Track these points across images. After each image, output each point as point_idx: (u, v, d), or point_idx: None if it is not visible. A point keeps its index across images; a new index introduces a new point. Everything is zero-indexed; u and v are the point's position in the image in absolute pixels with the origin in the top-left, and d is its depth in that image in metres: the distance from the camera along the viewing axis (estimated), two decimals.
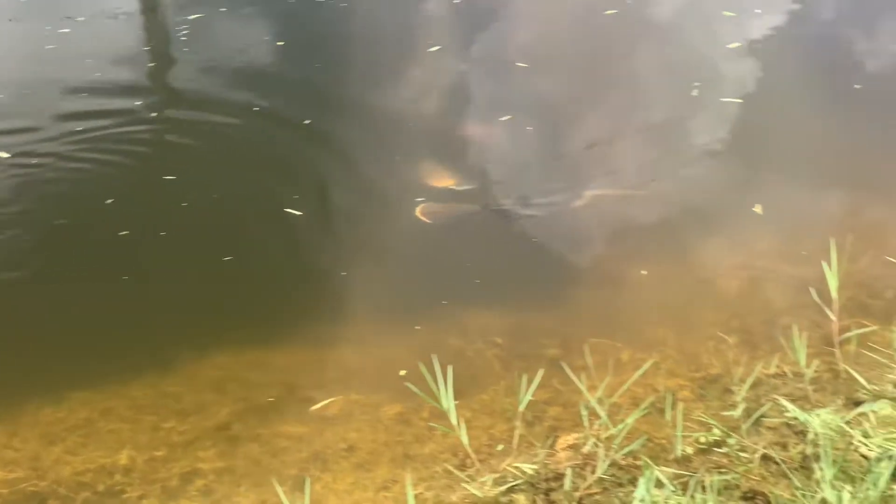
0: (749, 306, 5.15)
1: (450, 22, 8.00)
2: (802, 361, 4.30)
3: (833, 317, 4.52)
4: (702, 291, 5.29)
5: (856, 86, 6.83)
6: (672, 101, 6.81)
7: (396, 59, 7.56)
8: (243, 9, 8.18)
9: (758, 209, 5.72)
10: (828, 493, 3.55)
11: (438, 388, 3.94)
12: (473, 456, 4.10)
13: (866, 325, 4.70)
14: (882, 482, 3.59)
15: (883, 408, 4.17)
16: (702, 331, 5.02)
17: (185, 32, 7.81)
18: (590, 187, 6.10)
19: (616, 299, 5.28)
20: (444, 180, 6.13)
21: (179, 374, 4.94)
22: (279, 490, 3.67)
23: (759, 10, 7.88)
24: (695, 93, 6.74)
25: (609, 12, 7.90)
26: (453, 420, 3.96)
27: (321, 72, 7.38)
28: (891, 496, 3.72)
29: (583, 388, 4.09)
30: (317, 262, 5.64)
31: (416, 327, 5.19)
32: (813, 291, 4.68)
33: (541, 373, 4.21)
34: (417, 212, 5.89)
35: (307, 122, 6.68)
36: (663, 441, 4.16)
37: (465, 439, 4.01)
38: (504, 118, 6.61)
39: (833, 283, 4.48)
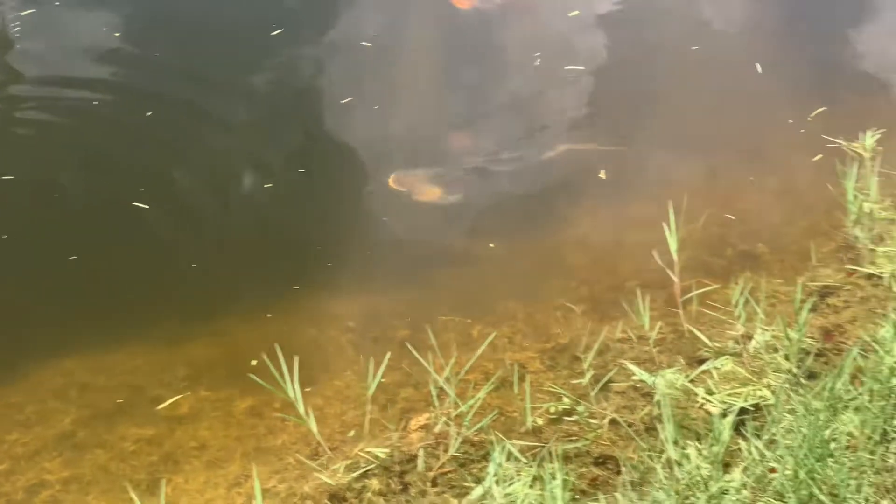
0: (596, 273, 5.22)
1: (293, 6, 7.86)
2: (646, 325, 4.36)
3: (675, 278, 4.59)
4: (549, 261, 5.35)
5: (693, 47, 6.91)
6: (515, 74, 6.81)
7: (236, 45, 7.39)
8: (77, 2, 7.90)
9: (602, 175, 5.76)
10: (671, 452, 3.60)
11: (285, 379, 3.87)
12: (324, 444, 4.06)
13: (707, 284, 4.79)
14: (724, 436, 3.66)
15: (725, 364, 4.27)
16: (550, 301, 5.06)
17: (17, 29, 7.51)
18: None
19: (465, 275, 5.30)
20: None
21: (21, 383, 4.79)
22: (132, 494, 3.58)
23: None
24: (537, 63, 6.75)
25: None
26: (301, 409, 3.91)
27: (160, 62, 7.16)
28: (737, 449, 3.81)
29: (429, 367, 4.08)
30: (163, 256, 5.49)
31: (268, 315, 5.08)
32: (656, 254, 4.74)
33: (388, 356, 4.19)
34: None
35: (148, 113, 6.48)
36: (515, 414, 4.17)
37: (314, 428, 3.96)
38: (345, 100, 6.52)
39: (673, 245, 4.57)
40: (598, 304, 4.99)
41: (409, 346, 4.27)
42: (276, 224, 5.77)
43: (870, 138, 5.33)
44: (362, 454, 4.01)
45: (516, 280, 5.26)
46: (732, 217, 5.38)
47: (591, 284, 5.17)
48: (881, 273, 4.67)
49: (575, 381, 4.34)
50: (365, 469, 3.92)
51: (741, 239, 5.30)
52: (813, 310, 4.56)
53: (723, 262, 5.16)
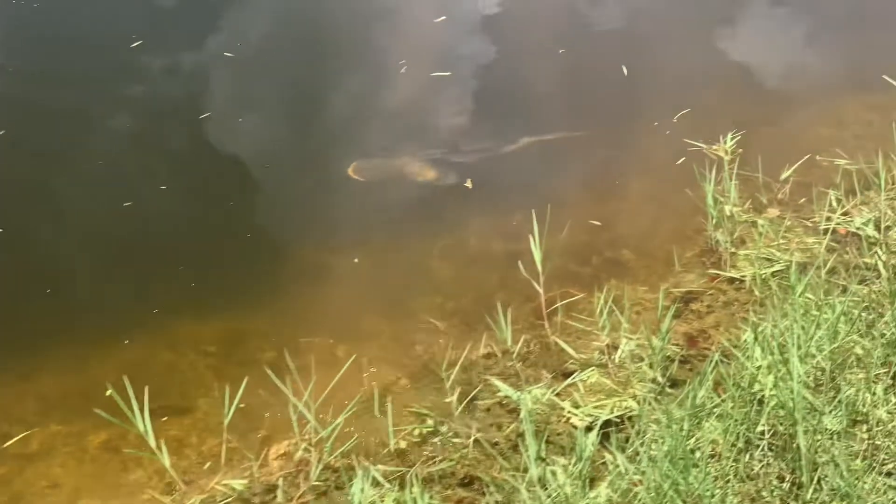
0: (463, 287, 5.15)
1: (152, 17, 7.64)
2: (508, 339, 4.31)
3: (540, 290, 4.54)
4: (416, 275, 5.25)
5: (560, 50, 6.91)
6: (380, 81, 6.71)
7: (92, 57, 7.15)
8: None
9: (468, 184, 5.70)
10: (533, 471, 3.54)
11: (134, 412, 3.71)
12: (179, 479, 3.89)
13: (574, 294, 4.76)
14: (587, 451, 3.62)
15: (591, 375, 4.24)
16: (416, 317, 4.96)
17: None
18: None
19: (331, 292, 5.17)
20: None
21: None
22: None
23: None
24: (403, 70, 6.66)
25: None
26: (152, 443, 3.75)
27: (11, 73, 6.89)
28: (603, 463, 3.76)
29: (288, 392, 3.96)
30: (13, 282, 5.25)
31: (126, 341, 4.89)
32: (521, 265, 4.68)
33: (245, 381, 4.05)
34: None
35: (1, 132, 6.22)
36: (379, 437, 4.07)
37: (167, 462, 3.80)
38: (204, 115, 6.34)
39: (537, 256, 4.51)
40: (465, 319, 4.92)
41: (269, 371, 4.10)
42: (135, 245, 5.56)
43: (729, 140, 5.34)
44: (219, 487, 3.86)
45: (382, 296, 5.16)
46: (598, 223, 5.31)
47: (457, 298, 5.08)
48: (742, 276, 4.68)
49: (440, 400, 4.23)
50: (221, 503, 3.76)
51: (608, 246, 5.28)
52: (677, 316, 4.56)
53: (590, 270, 5.13)
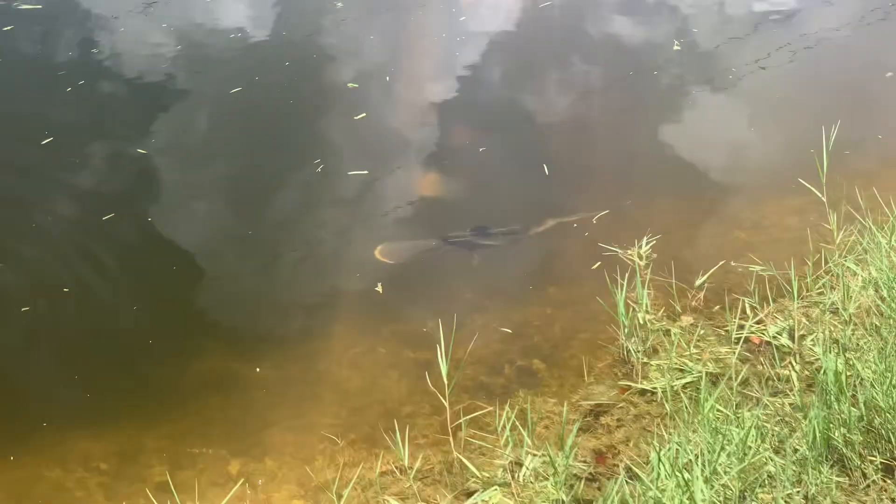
0: (369, 399, 4.97)
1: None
2: (405, 458, 4.13)
3: (446, 403, 4.37)
4: (320, 386, 5.07)
5: (481, 149, 6.84)
6: (295, 182, 6.59)
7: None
8: None
9: (379, 288, 5.55)
10: None
11: None
12: None
13: (482, 407, 4.59)
14: None
15: (493, 496, 4.05)
16: (317, 431, 4.76)
17: None
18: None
19: (230, 404, 4.96)
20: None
21: None
22: None
23: (388, 78, 7.83)
24: (319, 170, 6.55)
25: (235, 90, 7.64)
26: None
27: None
28: None
29: None
30: None
31: (11, 458, 4.64)
32: (427, 377, 4.52)
33: None
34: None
35: None
36: None
37: None
38: (107, 216, 6.17)
39: (444, 368, 4.35)
40: (369, 433, 4.73)
41: (150, 494, 3.88)
42: (22, 355, 5.32)
43: (645, 245, 5.25)
44: None
45: (284, 408, 4.98)
46: (509, 331, 5.17)
47: (362, 411, 4.92)
48: (654, 388, 4.54)
49: None
50: None
51: (520, 354, 5.15)
52: (586, 430, 4.42)
53: (502, 380, 4.98)
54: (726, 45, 8.05)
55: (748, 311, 4.97)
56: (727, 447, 3.89)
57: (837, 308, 4.79)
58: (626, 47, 8.18)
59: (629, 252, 5.28)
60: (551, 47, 8.30)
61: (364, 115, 7.30)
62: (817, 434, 3.85)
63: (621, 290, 4.80)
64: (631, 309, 4.92)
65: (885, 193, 5.55)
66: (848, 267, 5.05)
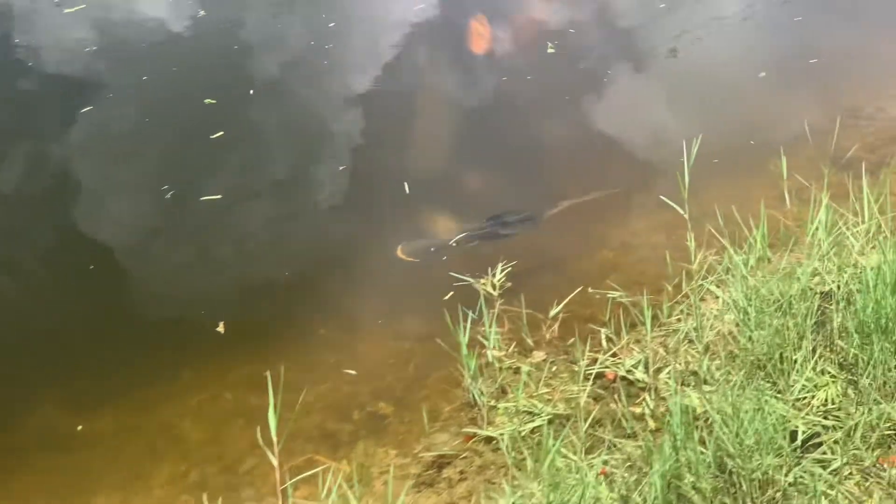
0: (208, 452, 4.64)
1: None
2: None
3: (275, 461, 4.06)
4: (159, 438, 4.74)
5: (340, 167, 6.54)
6: (141, 209, 6.24)
7: None
8: None
9: (220, 328, 5.23)
10: None
11: None
12: None
13: (321, 462, 4.31)
14: None
15: None
16: (154, 491, 4.43)
17: None
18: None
19: (59, 464, 4.61)
20: None
21: None
22: None
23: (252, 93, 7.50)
24: (168, 196, 6.20)
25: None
26: None
27: None
28: None
29: None
30: None
31: None
32: (259, 431, 4.21)
33: None
34: None
35: None
36: None
37: None
38: None
39: (272, 423, 4.03)
40: (209, 492, 4.39)
41: None
42: None
43: (499, 273, 4.98)
44: None
45: (120, 466, 4.62)
46: (352, 372, 4.88)
47: (202, 466, 4.58)
48: (500, 435, 4.27)
49: None
50: None
51: (371, 396, 4.86)
52: (428, 485, 4.14)
53: (349, 426, 4.69)
54: (601, 45, 7.81)
55: (604, 342, 4.71)
56: (570, 500, 3.63)
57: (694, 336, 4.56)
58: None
59: (482, 281, 5.00)
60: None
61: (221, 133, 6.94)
62: (657, 485, 3.60)
63: (464, 327, 4.50)
64: (480, 346, 4.63)
65: (750, 205, 5.33)
66: (709, 289, 4.81)
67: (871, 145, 6.23)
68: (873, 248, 4.72)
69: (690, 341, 4.58)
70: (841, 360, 4.32)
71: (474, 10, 8.73)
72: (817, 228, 4.76)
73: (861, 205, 4.96)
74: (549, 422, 4.31)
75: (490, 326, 4.66)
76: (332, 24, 8.55)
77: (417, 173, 6.50)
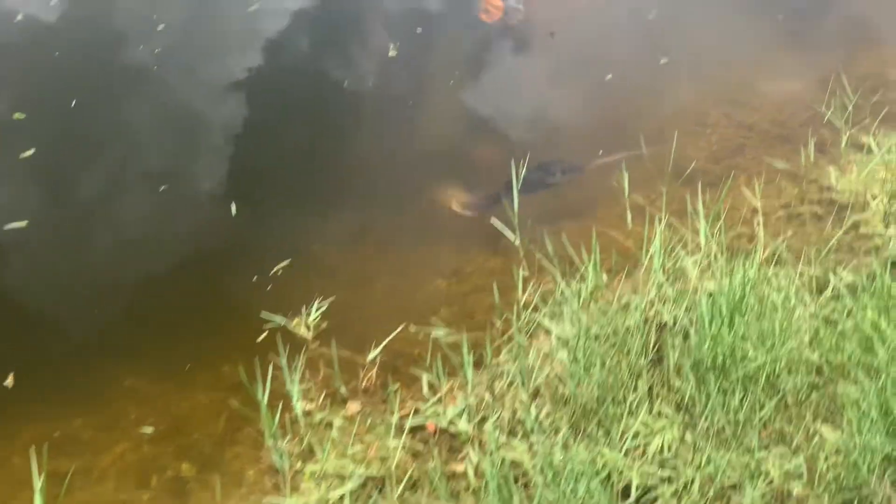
0: None
1: None
2: None
3: None
4: None
5: (161, 187, 6.00)
6: None
7: None
8: None
9: (9, 381, 4.67)
10: None
11: None
12: None
13: None
14: None
15: None
16: None
17: None
18: None
19: None
20: None
21: None
22: None
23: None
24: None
25: None
26: None
27: None
28: None
29: None
30: None
31: None
32: None
33: None
34: None
35: None
36: None
37: None
38: None
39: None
40: None
41: None
42: None
43: (314, 312, 4.51)
44: None
45: None
46: (150, 430, 4.37)
47: None
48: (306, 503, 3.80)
49: None
50: None
51: (174, 457, 4.34)
52: None
53: (147, 495, 4.16)
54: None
55: (426, 389, 4.28)
56: None
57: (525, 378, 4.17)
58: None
59: (296, 321, 4.53)
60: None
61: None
62: None
63: (264, 382, 4.03)
64: (284, 398, 4.16)
65: (594, 224, 4.98)
66: (541, 324, 4.43)
67: (715, 155, 5.93)
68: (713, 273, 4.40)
69: (521, 384, 4.18)
70: (679, 399, 3.97)
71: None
72: (654, 254, 4.41)
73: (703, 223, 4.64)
74: (362, 485, 3.85)
75: (297, 376, 4.20)
76: (161, 27, 7.93)
77: (245, 195, 5.97)
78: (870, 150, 5.63)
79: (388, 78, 7.13)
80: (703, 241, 4.58)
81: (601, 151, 6.03)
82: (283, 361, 4.30)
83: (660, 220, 4.66)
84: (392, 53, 7.34)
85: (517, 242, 4.56)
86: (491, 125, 6.53)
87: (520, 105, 6.84)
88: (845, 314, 4.13)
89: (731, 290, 4.02)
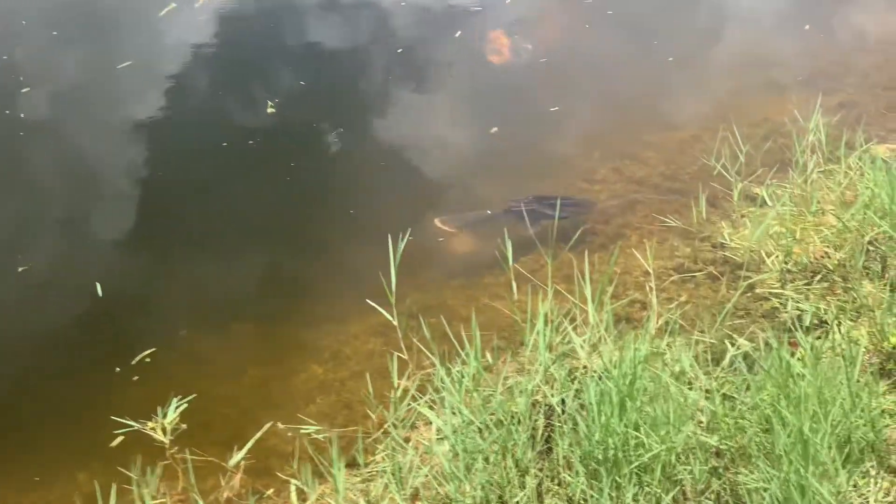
0: None
1: None
2: None
3: None
4: None
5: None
6: None
7: None
8: None
9: None
10: None
11: None
12: None
13: None
14: None
15: None
16: None
17: None
18: None
19: None
20: None
21: None
22: None
23: None
24: None
25: None
26: None
27: None
28: None
29: None
30: None
31: None
32: None
33: None
34: None
35: None
36: None
37: None
38: None
39: None
40: None
41: None
42: None
43: (172, 412, 4.09)
44: None
45: None
46: None
47: None
48: None
49: None
50: None
51: None
52: None
53: None
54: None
55: (293, 497, 3.89)
56: None
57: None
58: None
59: (150, 425, 4.11)
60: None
61: None
62: None
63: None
64: None
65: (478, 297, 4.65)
66: (422, 413, 4.06)
67: (604, 214, 5.66)
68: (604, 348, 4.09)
69: (396, 488, 3.81)
70: (570, 495, 3.63)
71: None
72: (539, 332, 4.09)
73: (593, 290, 4.33)
74: None
75: (152, 488, 3.75)
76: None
77: (111, 274, 5.53)
78: (764, 203, 5.39)
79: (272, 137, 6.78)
80: (591, 314, 4.26)
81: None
82: (135, 474, 3.85)
83: (547, 291, 4.35)
84: (271, 111, 7.00)
85: (395, 322, 4.20)
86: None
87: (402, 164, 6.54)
88: (744, 389, 3.84)
89: (622, 372, 3.70)
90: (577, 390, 3.99)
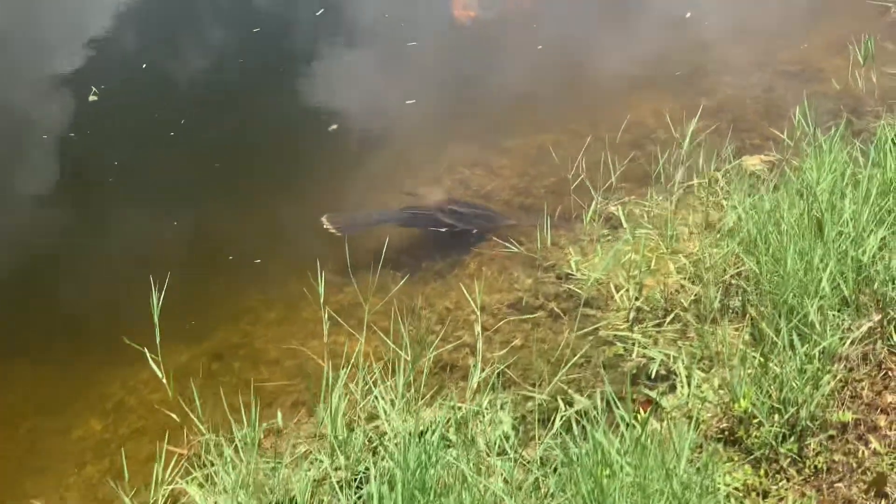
0: None
1: None
2: None
3: None
4: None
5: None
6: None
7: None
8: None
9: None
10: None
11: None
12: None
13: None
14: None
15: None
16: None
17: None
18: None
19: None
20: None
21: None
22: None
23: None
24: None
25: None
26: None
27: None
28: None
29: None
30: None
31: None
32: None
33: None
34: None
35: None
36: None
37: None
38: None
39: None
40: None
41: None
42: None
43: None
44: None
45: None
46: None
47: None
48: None
49: None
50: None
51: None
52: None
53: None
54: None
55: None
56: None
57: None
58: None
59: None
60: None
61: None
62: None
63: None
64: None
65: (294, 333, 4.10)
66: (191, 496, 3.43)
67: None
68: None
69: None
70: None
71: None
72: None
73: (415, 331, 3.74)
74: None
75: None
76: None
77: None
78: (620, 224, 4.81)
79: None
80: (400, 373, 3.66)
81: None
82: None
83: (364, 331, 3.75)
84: (92, 98, 6.32)
85: (163, 379, 3.56)
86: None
87: None
88: (568, 478, 3.24)
89: (416, 455, 3.10)
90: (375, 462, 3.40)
